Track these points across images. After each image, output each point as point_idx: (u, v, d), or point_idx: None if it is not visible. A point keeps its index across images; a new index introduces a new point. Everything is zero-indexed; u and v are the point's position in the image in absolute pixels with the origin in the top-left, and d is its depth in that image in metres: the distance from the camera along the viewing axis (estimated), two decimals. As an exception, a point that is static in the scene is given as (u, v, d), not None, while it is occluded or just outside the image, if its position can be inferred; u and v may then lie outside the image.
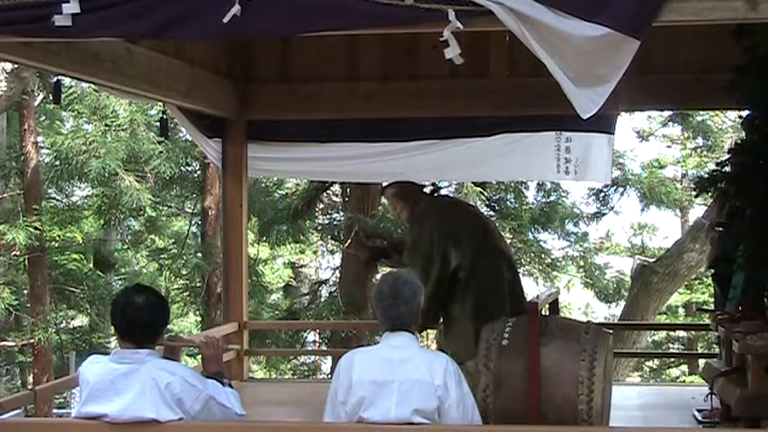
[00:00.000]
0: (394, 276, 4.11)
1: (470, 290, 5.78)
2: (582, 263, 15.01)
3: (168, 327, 4.22)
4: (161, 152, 12.11)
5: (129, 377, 3.87)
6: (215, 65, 6.93)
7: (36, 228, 12.47)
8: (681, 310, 18.52)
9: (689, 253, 11.84)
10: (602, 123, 7.10)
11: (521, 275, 6.53)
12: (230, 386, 4.15)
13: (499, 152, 7.34)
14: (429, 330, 6.62)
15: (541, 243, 13.74)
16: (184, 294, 13.41)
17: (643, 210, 14.64)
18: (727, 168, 5.55)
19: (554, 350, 4.15)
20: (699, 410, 5.63)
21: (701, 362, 7.59)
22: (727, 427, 5.13)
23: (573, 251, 15.00)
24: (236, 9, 3.72)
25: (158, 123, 8.35)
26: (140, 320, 3.94)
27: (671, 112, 15.26)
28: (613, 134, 7.42)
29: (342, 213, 12.92)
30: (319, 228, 13.92)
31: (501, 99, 6.91)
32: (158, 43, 5.79)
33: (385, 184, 6.62)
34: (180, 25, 3.94)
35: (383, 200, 6.63)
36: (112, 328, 4.06)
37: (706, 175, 5.81)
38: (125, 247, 16.44)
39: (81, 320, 14.92)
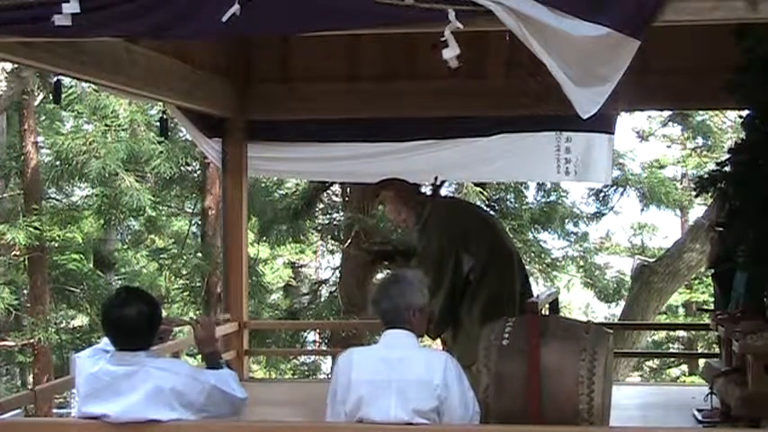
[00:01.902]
0: (390, 275, 4.15)
1: (481, 293, 5.71)
2: (582, 263, 15.01)
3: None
4: (161, 152, 12.10)
5: (131, 379, 3.87)
6: (215, 65, 6.93)
7: (36, 228, 12.47)
8: (681, 310, 18.51)
9: (689, 253, 11.83)
10: (602, 123, 7.10)
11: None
12: (228, 366, 4.16)
13: (499, 152, 7.34)
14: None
15: (541, 243, 13.74)
16: (184, 294, 13.40)
17: (643, 210, 14.66)
18: (727, 168, 5.54)
19: (554, 350, 4.15)
20: (699, 410, 5.62)
21: (701, 362, 7.59)
22: (727, 427, 5.13)
23: (573, 251, 15.00)
24: (235, 8, 3.73)
25: (158, 123, 8.35)
26: (135, 332, 3.91)
27: (671, 112, 15.28)
28: (613, 134, 7.43)
29: (342, 213, 12.92)
30: (319, 228, 13.91)
31: (501, 99, 6.91)
32: (158, 43, 5.79)
33: (376, 186, 6.25)
34: (179, 25, 3.94)
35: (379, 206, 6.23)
36: (106, 331, 4.02)
37: (706, 175, 5.80)
38: (125, 247, 16.44)
39: (81, 320, 14.92)
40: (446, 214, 5.94)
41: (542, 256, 13.54)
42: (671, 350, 18.32)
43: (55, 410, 12.06)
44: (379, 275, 12.35)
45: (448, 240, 5.74)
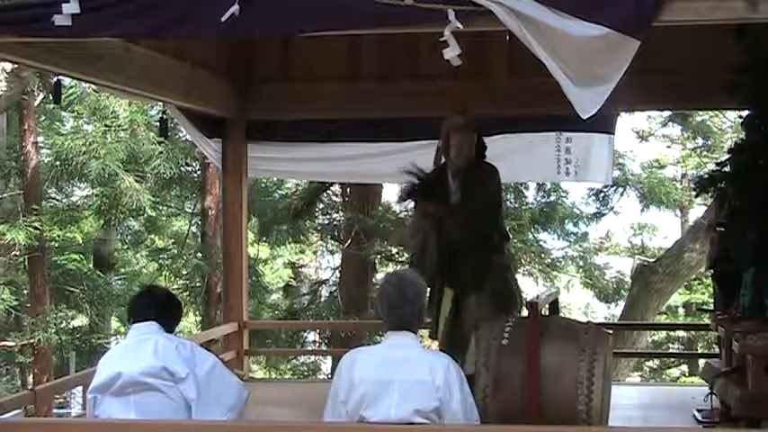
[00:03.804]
0: (398, 277, 4.14)
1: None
2: (582, 263, 15.00)
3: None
4: (161, 152, 12.11)
5: (142, 344, 4.08)
6: (215, 65, 6.94)
7: (36, 228, 12.45)
8: (681, 310, 18.50)
9: (689, 253, 11.83)
10: (602, 124, 7.11)
11: (522, 275, 6.45)
12: None
13: (499, 152, 7.31)
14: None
15: (541, 243, 13.73)
16: (184, 294, 13.37)
17: (643, 210, 14.65)
18: (727, 168, 5.55)
19: (554, 350, 4.15)
20: (699, 410, 5.63)
21: (701, 362, 7.59)
22: (727, 427, 5.13)
23: (573, 251, 14.98)
24: (234, 8, 3.73)
25: (158, 123, 8.36)
26: (153, 304, 4.21)
27: (671, 112, 15.28)
28: (613, 134, 7.43)
29: (342, 213, 12.92)
30: (319, 228, 13.92)
31: (501, 99, 6.91)
32: (158, 43, 5.79)
33: (459, 104, 6.00)
34: (179, 25, 3.94)
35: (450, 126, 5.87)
36: (129, 311, 4.33)
37: (706, 175, 5.81)
38: (125, 247, 16.43)
39: (81, 320, 14.89)
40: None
41: (542, 256, 13.53)
42: (671, 350, 18.30)
43: (55, 411, 12.06)
44: (379, 275, 12.36)
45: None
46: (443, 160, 5.87)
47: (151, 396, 3.98)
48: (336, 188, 12.83)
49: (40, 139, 13.66)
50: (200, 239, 13.70)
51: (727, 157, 5.68)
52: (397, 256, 12.28)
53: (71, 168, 11.97)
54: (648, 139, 18.43)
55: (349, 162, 7.65)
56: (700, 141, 16.87)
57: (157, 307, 4.22)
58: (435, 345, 6.35)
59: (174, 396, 3.98)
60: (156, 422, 3.89)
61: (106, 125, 12.20)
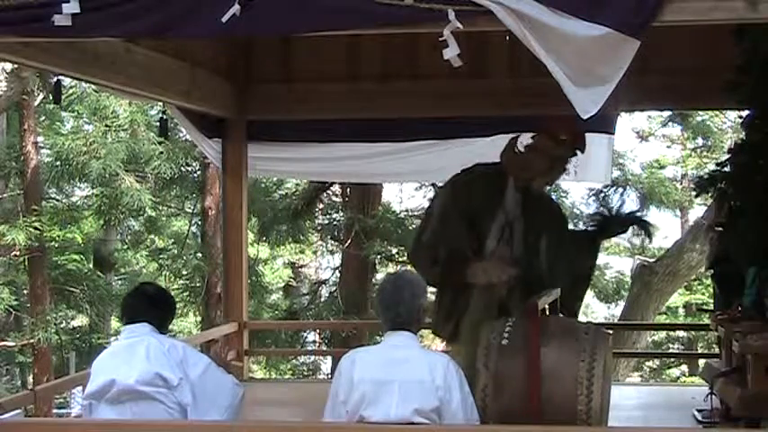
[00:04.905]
0: (396, 276, 4.16)
1: None
2: (582, 263, 14.97)
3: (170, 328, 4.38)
4: (161, 152, 12.12)
5: (133, 347, 4.03)
6: (215, 65, 6.93)
7: (36, 228, 12.46)
8: (681, 310, 18.51)
9: (689, 253, 11.82)
10: (603, 123, 7.10)
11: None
12: None
13: (499, 152, 7.32)
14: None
15: (541, 243, 13.69)
16: (184, 294, 13.39)
17: (643, 210, 14.63)
18: (727, 168, 5.55)
19: (554, 350, 4.15)
20: (699, 410, 5.62)
21: (701, 362, 7.59)
22: (727, 427, 5.13)
23: (572, 251, 14.93)
24: (235, 8, 3.72)
25: (158, 123, 8.36)
26: (143, 304, 4.17)
27: (671, 112, 15.28)
28: (613, 134, 7.43)
29: (342, 213, 12.93)
30: (319, 228, 13.92)
31: (501, 99, 6.90)
32: (158, 43, 5.79)
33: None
34: (179, 25, 3.93)
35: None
36: (122, 311, 4.30)
37: (706, 176, 5.81)
38: (125, 247, 16.44)
39: (81, 320, 14.91)
40: None
41: (542, 256, 13.49)
42: (671, 350, 18.31)
43: (55, 410, 12.06)
44: (379, 275, 12.36)
45: None
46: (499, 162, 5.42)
47: (147, 404, 3.95)
48: (336, 188, 12.83)
49: (40, 139, 13.67)
50: (200, 239, 13.70)
51: (727, 157, 5.68)
52: (397, 255, 12.28)
53: (71, 168, 11.98)
54: (648, 139, 18.46)
55: (349, 162, 7.65)
56: (700, 141, 16.88)
57: (149, 307, 4.17)
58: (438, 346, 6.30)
59: (169, 403, 3.97)
60: (155, 423, 3.89)
61: (106, 125, 12.21)
